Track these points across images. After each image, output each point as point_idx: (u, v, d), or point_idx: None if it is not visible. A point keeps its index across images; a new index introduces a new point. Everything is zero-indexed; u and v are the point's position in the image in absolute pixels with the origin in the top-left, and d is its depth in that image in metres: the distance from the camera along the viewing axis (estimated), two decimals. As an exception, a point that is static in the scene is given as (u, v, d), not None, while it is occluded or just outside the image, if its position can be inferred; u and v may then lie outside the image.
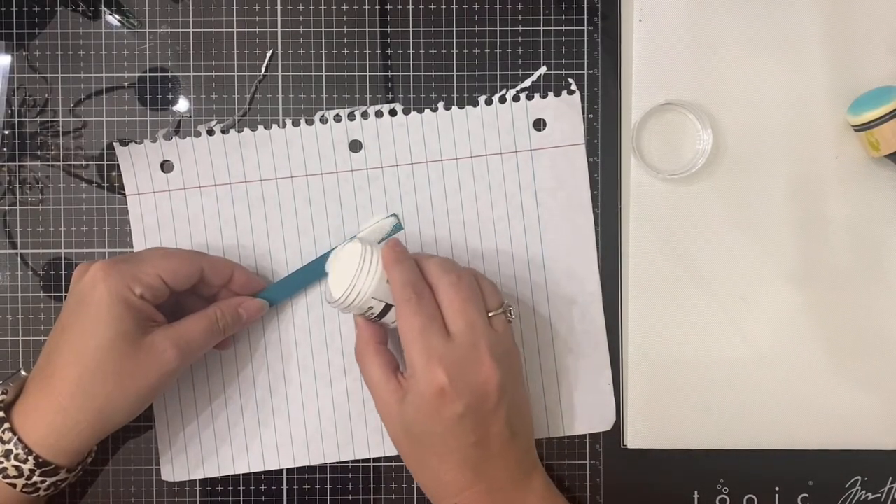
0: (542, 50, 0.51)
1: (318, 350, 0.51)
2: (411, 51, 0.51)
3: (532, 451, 0.47)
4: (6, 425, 0.43)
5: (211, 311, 0.46)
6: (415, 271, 0.44)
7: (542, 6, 0.51)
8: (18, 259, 0.52)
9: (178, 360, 0.44)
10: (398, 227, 0.50)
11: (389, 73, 0.51)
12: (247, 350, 0.51)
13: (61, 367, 0.43)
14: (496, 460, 0.44)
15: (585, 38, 0.51)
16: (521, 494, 0.45)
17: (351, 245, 0.46)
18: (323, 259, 0.49)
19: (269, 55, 0.51)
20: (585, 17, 0.51)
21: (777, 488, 0.51)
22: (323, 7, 0.51)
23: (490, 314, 0.44)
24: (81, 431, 0.43)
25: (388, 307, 0.45)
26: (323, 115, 0.51)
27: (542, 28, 0.51)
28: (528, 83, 0.51)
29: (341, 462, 0.52)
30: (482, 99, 0.51)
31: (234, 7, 0.51)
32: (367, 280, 0.44)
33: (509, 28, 0.51)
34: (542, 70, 0.51)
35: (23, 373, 0.45)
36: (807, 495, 0.51)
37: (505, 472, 0.44)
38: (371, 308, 0.45)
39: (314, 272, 0.50)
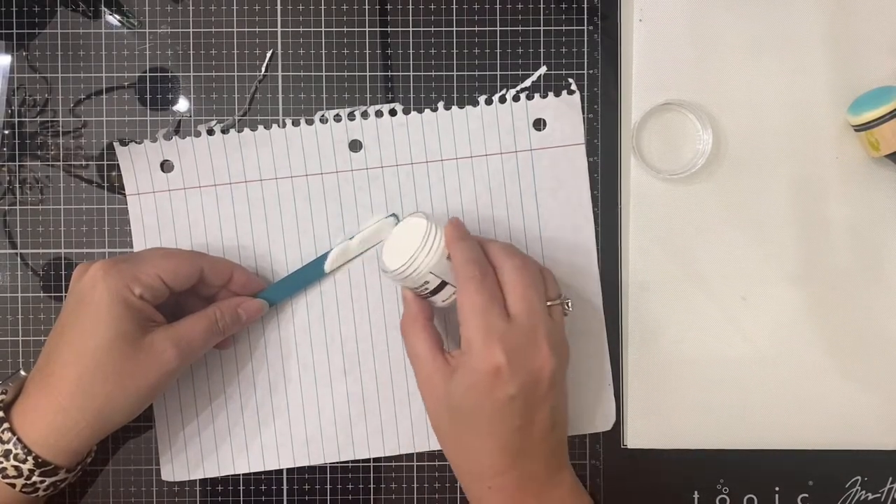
0: (542, 50, 0.51)
1: (318, 350, 0.51)
2: (411, 51, 0.51)
3: (565, 447, 0.46)
4: (5, 425, 0.43)
5: (210, 311, 0.46)
6: (478, 250, 0.44)
7: (542, 6, 0.51)
8: (18, 259, 0.52)
9: (178, 360, 0.44)
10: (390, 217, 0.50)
11: (389, 73, 0.51)
12: (247, 350, 0.51)
13: (61, 367, 0.43)
14: (534, 449, 0.44)
15: (585, 38, 0.51)
16: (552, 487, 0.45)
17: (415, 219, 0.46)
18: (322, 259, 0.50)
19: (269, 55, 0.51)
20: (585, 17, 0.51)
21: (777, 488, 0.51)
22: (323, 7, 0.51)
23: (549, 303, 0.44)
24: (81, 431, 0.43)
25: (442, 284, 0.45)
26: (323, 115, 0.51)
27: (542, 28, 0.51)
28: (528, 83, 0.51)
29: (341, 462, 0.52)
30: (482, 99, 0.51)
31: (234, 7, 0.51)
32: (429, 255, 0.44)
33: (509, 28, 0.51)
34: (543, 70, 0.51)
35: (22, 373, 0.45)
36: (807, 495, 0.51)
37: (540, 463, 0.44)
38: (426, 283, 0.45)
39: (314, 272, 0.50)
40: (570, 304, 0.46)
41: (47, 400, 0.42)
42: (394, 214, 0.50)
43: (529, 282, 0.43)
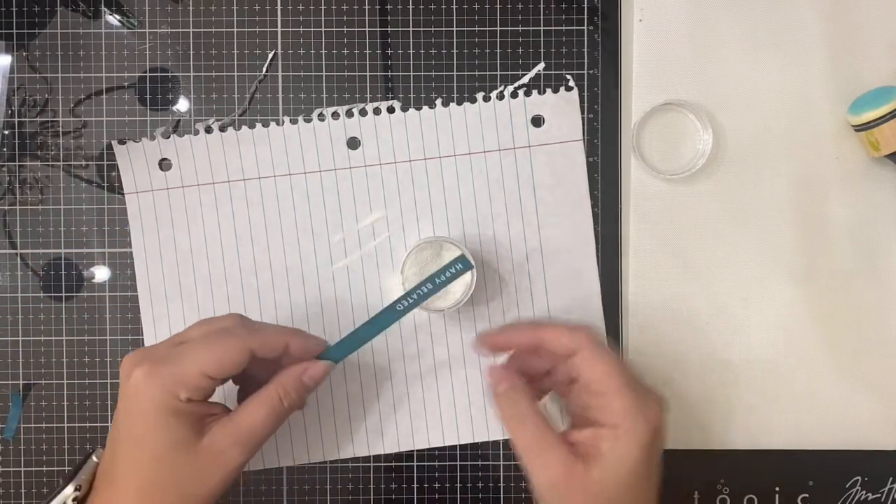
0: (542, 50, 0.51)
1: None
2: (411, 50, 0.51)
3: None
4: None
5: (272, 391, 0.42)
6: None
7: (542, 6, 0.51)
8: (18, 259, 0.52)
9: (243, 457, 0.40)
10: (467, 265, 0.46)
11: (389, 73, 0.51)
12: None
13: (123, 477, 0.40)
14: None
15: (585, 38, 0.51)
16: None
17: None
18: (389, 314, 0.45)
19: (270, 56, 0.51)
20: (585, 16, 0.51)
21: (777, 488, 0.51)
22: (323, 7, 0.51)
23: None
24: None
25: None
26: (321, 113, 0.51)
27: (542, 28, 0.51)
28: (525, 80, 0.51)
29: (341, 462, 0.52)
30: (480, 96, 0.51)
31: (234, 7, 0.51)
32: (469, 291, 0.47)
33: (509, 28, 0.51)
34: (541, 66, 0.51)
35: (94, 459, 0.44)
36: (807, 495, 0.51)
37: None
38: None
39: (378, 327, 0.45)
40: None
41: None
42: (466, 260, 0.46)
43: None
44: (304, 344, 0.43)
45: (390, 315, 0.44)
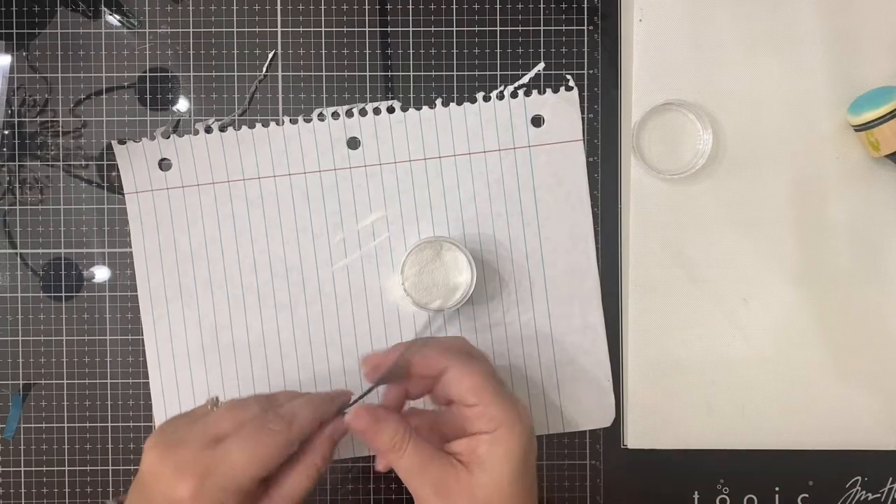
0: (542, 50, 0.51)
1: (318, 349, 0.51)
2: (411, 50, 0.51)
3: None
4: None
5: (310, 462, 0.41)
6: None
7: (542, 6, 0.51)
8: (18, 259, 0.52)
9: None
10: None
11: (389, 73, 0.51)
12: (246, 344, 0.51)
13: None
14: None
15: (585, 38, 0.51)
16: None
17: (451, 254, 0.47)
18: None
19: (270, 56, 0.51)
20: (585, 16, 0.51)
21: (777, 488, 0.51)
22: (323, 7, 0.51)
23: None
24: None
25: None
26: (321, 113, 0.51)
27: (542, 28, 0.51)
28: (525, 79, 0.51)
29: (341, 462, 0.52)
30: (480, 96, 0.51)
31: (234, 7, 0.51)
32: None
33: (509, 28, 0.51)
34: (540, 66, 0.51)
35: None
36: (807, 495, 0.51)
37: None
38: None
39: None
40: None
41: None
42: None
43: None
44: (332, 409, 0.42)
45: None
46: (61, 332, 0.52)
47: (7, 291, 0.52)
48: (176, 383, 0.51)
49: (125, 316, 0.52)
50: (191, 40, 0.51)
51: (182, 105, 0.51)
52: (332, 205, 0.51)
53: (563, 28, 0.51)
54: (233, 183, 0.51)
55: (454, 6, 0.51)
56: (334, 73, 0.51)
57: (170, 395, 0.51)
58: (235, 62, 0.51)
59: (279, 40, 0.51)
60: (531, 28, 0.51)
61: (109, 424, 0.52)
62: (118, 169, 0.51)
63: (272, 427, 0.39)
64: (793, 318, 0.51)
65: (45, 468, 0.52)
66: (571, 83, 0.51)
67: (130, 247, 0.51)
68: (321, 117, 0.51)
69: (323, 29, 0.51)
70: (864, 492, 0.51)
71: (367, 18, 0.51)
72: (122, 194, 0.51)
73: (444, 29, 0.51)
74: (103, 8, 0.51)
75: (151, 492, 0.38)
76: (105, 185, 0.51)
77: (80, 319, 0.52)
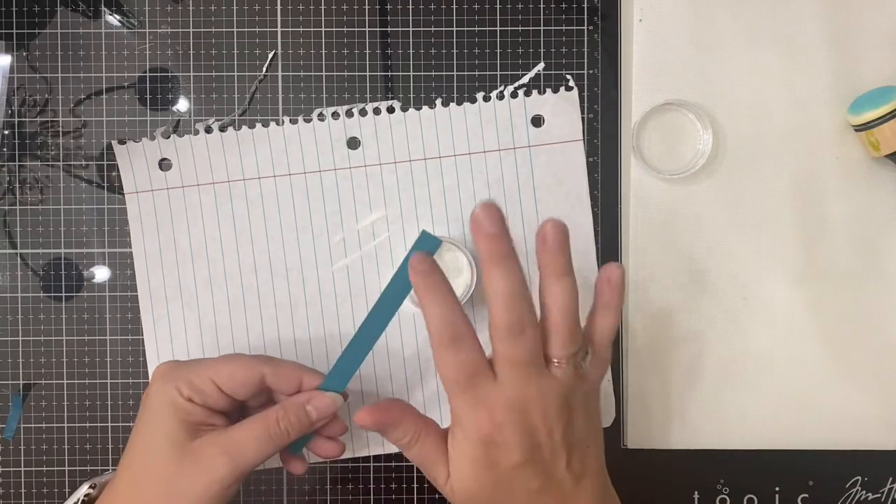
0: (542, 50, 0.51)
1: (318, 349, 0.51)
2: (411, 50, 0.51)
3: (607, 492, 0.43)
4: None
5: (271, 412, 0.41)
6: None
7: (542, 6, 0.51)
8: (18, 259, 0.52)
9: (228, 468, 0.40)
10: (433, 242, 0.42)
11: (389, 73, 0.51)
12: (246, 344, 0.51)
13: (122, 469, 0.42)
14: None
15: (585, 38, 0.51)
16: None
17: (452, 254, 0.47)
18: (371, 330, 0.43)
19: (270, 56, 0.51)
20: (585, 16, 0.51)
21: (777, 488, 0.51)
22: (323, 7, 0.51)
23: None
24: None
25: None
26: (321, 113, 0.51)
27: (542, 28, 0.51)
28: (525, 79, 0.51)
29: (341, 462, 0.52)
30: (480, 96, 0.51)
31: (234, 7, 0.51)
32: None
33: (509, 28, 0.51)
34: (540, 66, 0.51)
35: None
36: (807, 495, 0.51)
37: None
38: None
39: (369, 341, 0.44)
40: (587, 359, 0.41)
41: (110, 500, 0.41)
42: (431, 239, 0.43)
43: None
44: (319, 382, 0.43)
45: (369, 334, 0.43)
46: (61, 332, 0.52)
47: (7, 291, 0.52)
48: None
49: (125, 316, 0.52)
50: (191, 40, 0.51)
51: (182, 105, 0.51)
52: (332, 205, 0.51)
53: (563, 28, 0.51)
54: (233, 183, 0.51)
55: (454, 6, 0.51)
56: (334, 73, 0.51)
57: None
58: (235, 62, 0.51)
59: (279, 40, 0.51)
60: (531, 28, 0.51)
61: (109, 424, 0.52)
62: (118, 169, 0.51)
63: (250, 355, 0.43)
64: (793, 318, 0.51)
65: (45, 468, 0.52)
66: (571, 83, 0.51)
67: (130, 247, 0.51)
68: (321, 117, 0.51)
69: (323, 29, 0.51)
70: (864, 492, 0.51)
71: (367, 18, 0.51)
72: (122, 194, 0.51)
73: (444, 29, 0.51)
74: (103, 8, 0.51)
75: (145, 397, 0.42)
76: (105, 185, 0.51)
77: (80, 319, 0.52)
